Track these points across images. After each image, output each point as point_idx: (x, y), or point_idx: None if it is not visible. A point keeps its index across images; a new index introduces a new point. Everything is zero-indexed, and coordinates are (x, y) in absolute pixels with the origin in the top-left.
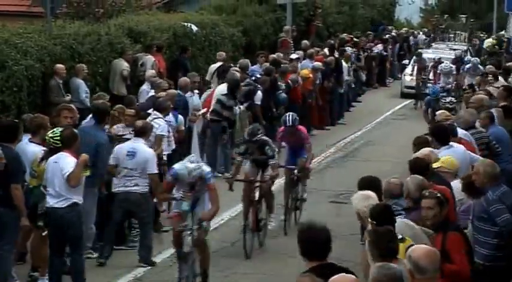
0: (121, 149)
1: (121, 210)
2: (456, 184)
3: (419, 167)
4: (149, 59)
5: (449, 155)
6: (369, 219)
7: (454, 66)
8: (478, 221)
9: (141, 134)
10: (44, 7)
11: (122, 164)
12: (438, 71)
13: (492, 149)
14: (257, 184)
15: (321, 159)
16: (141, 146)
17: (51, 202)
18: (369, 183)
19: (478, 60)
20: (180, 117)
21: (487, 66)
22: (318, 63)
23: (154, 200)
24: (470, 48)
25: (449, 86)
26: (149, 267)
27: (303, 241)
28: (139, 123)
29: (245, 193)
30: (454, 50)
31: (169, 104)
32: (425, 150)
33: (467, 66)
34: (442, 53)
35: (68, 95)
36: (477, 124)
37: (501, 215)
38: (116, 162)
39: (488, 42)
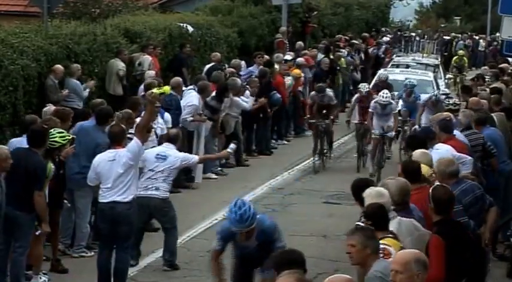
0: (150, 152)
1: (141, 214)
2: None
3: (411, 169)
4: (146, 58)
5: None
6: (363, 219)
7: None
8: None
9: (174, 141)
10: (41, 7)
11: (149, 166)
12: (370, 109)
13: (487, 150)
14: None
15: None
16: (173, 152)
17: (110, 197)
18: (362, 184)
19: (439, 91)
20: (167, 115)
21: (483, 68)
22: (300, 59)
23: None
24: (441, 63)
25: (389, 134)
26: (142, 267)
27: (277, 264)
28: (173, 131)
29: None
30: (426, 65)
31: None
32: (417, 152)
33: (423, 98)
34: (404, 72)
35: (65, 90)
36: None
37: (458, 217)
38: (142, 165)
39: (460, 53)
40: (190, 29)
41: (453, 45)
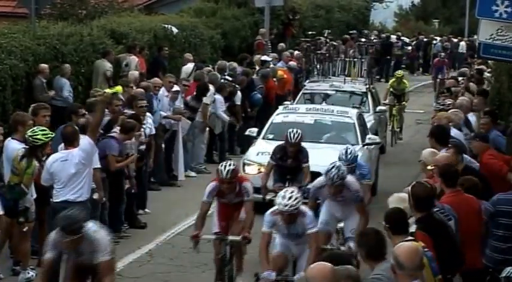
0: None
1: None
2: None
3: (449, 172)
4: (133, 59)
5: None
6: (383, 223)
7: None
8: None
9: (85, 131)
10: (29, 8)
11: None
12: (265, 227)
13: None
14: None
15: None
16: (84, 141)
17: (62, 197)
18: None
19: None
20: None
21: (462, 69)
22: (293, 63)
23: (95, 196)
24: (372, 89)
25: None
26: (128, 263)
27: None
28: (81, 120)
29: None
30: (351, 93)
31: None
32: (427, 151)
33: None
34: (312, 112)
35: (51, 91)
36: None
37: (487, 217)
38: None
39: (398, 74)
40: (174, 30)
41: (431, 48)
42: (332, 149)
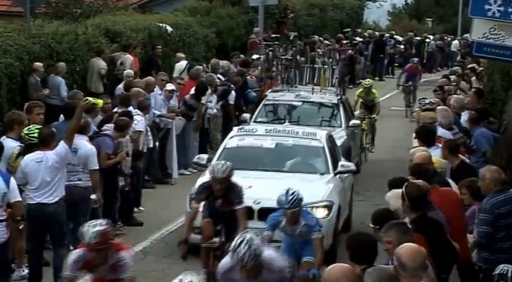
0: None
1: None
2: None
3: (420, 171)
4: (128, 58)
5: (436, 156)
6: (371, 225)
7: None
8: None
9: (84, 131)
10: (24, 7)
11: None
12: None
13: (468, 148)
14: None
15: None
16: (83, 143)
17: (37, 199)
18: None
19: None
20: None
21: (454, 68)
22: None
23: (92, 197)
24: (343, 100)
25: None
26: None
27: (352, 246)
28: (82, 121)
29: None
30: (320, 104)
31: (149, 103)
32: (419, 149)
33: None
34: (272, 133)
35: (45, 89)
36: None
37: (481, 226)
38: None
39: (366, 83)
40: (169, 29)
41: (425, 46)
42: (297, 179)
